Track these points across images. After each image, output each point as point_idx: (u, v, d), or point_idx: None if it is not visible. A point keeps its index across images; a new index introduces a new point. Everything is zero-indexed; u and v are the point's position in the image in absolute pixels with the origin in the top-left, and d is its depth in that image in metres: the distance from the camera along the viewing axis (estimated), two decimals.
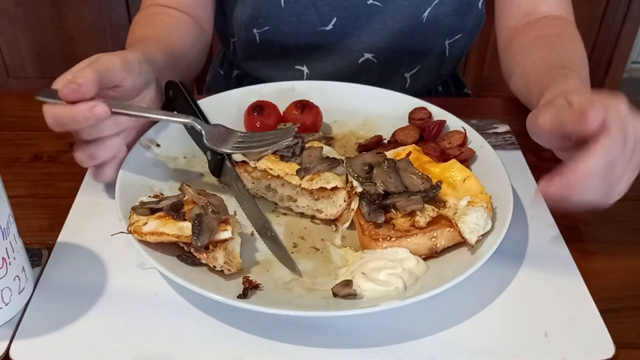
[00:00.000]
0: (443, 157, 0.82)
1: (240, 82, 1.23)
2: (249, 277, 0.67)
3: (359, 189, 0.74)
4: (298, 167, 0.77)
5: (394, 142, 0.87)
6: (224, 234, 0.67)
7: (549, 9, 1.02)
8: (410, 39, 1.08)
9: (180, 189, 0.72)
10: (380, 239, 0.70)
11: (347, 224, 0.75)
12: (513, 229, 0.71)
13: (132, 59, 0.77)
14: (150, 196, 0.74)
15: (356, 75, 1.02)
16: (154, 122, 0.84)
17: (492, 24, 1.11)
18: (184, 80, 0.96)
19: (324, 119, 0.91)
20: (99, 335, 0.64)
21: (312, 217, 0.78)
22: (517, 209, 0.77)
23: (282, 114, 0.90)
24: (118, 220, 0.71)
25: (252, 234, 0.75)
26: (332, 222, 0.77)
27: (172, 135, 0.86)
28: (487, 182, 0.75)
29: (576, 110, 0.64)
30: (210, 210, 0.68)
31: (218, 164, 0.81)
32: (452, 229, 0.70)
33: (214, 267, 0.67)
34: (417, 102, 0.92)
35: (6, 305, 0.64)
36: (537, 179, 0.84)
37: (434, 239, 0.70)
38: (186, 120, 0.78)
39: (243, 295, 0.64)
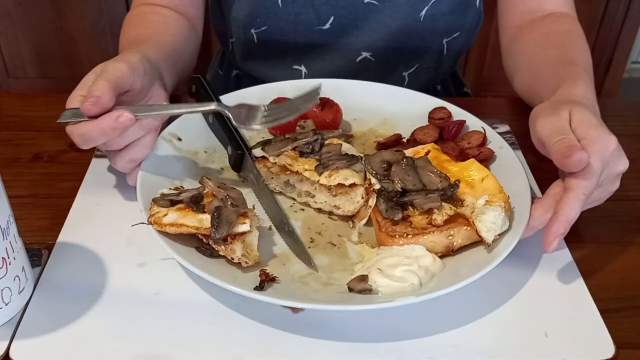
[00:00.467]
0: (462, 156, 0.82)
1: (239, 82, 1.23)
2: (265, 270, 0.67)
3: (377, 186, 0.74)
4: (317, 163, 0.77)
5: (413, 141, 0.87)
6: (242, 227, 0.67)
7: (555, 6, 1.02)
8: (408, 38, 1.08)
9: (200, 182, 0.73)
10: (397, 236, 0.70)
11: (364, 221, 0.75)
12: None
13: (135, 61, 0.77)
14: (170, 188, 0.75)
15: (354, 74, 1.02)
16: (175, 118, 0.85)
17: (491, 24, 1.11)
18: (181, 77, 0.97)
19: (344, 116, 0.92)
20: (99, 335, 0.64)
21: (330, 213, 0.78)
22: None
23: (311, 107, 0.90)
24: (139, 211, 0.71)
25: (270, 228, 0.76)
26: (350, 218, 0.77)
27: (193, 130, 0.87)
28: (505, 183, 0.75)
29: (564, 148, 0.67)
30: (229, 203, 0.69)
31: (238, 159, 0.82)
32: (469, 228, 0.70)
33: (232, 259, 0.67)
34: (437, 102, 0.93)
35: (6, 305, 0.64)
36: (537, 179, 0.84)
37: (450, 237, 0.70)
38: (210, 108, 0.78)
39: (260, 288, 0.65)
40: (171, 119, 0.86)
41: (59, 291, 0.68)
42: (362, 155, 0.79)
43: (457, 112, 0.91)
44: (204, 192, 0.72)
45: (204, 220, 0.68)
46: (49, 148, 0.91)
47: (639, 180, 0.81)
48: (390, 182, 0.74)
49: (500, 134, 0.87)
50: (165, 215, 0.69)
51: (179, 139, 0.86)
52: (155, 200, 0.71)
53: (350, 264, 0.71)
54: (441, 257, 0.70)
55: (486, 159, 0.83)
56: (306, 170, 0.78)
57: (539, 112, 0.75)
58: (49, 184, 0.85)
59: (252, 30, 1.10)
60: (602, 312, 0.67)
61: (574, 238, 0.74)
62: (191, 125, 0.87)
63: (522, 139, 0.92)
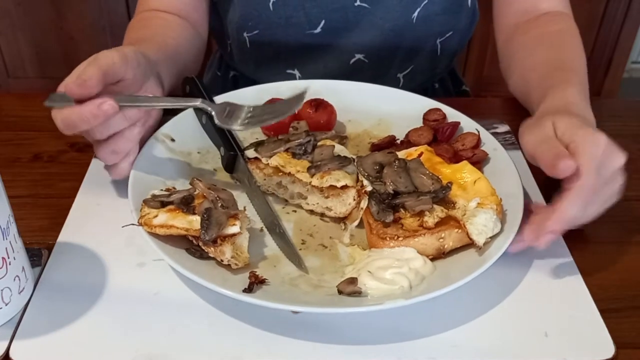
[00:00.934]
0: (456, 158, 0.82)
1: (236, 84, 1.23)
2: (255, 272, 0.67)
3: (369, 188, 0.74)
4: (309, 164, 0.77)
5: (407, 143, 0.87)
6: (232, 229, 0.67)
7: (549, 5, 1.02)
8: (401, 39, 1.08)
9: (191, 183, 0.73)
10: (388, 238, 0.70)
11: (356, 223, 0.75)
12: None
13: (129, 52, 0.77)
14: (162, 189, 0.75)
15: (348, 76, 1.02)
16: (164, 116, 0.85)
17: (491, 24, 1.11)
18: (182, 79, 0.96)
19: (339, 117, 0.92)
20: (99, 335, 0.64)
21: (322, 215, 0.78)
22: None
23: (296, 111, 0.90)
24: (129, 212, 0.71)
25: (262, 230, 0.76)
26: (341, 220, 0.77)
27: (186, 131, 0.87)
28: (498, 185, 0.75)
29: (551, 156, 0.67)
30: (219, 204, 0.69)
31: (231, 160, 0.82)
32: (460, 230, 0.70)
33: (222, 261, 0.67)
34: (432, 103, 0.93)
35: (6, 305, 0.64)
36: (537, 179, 0.84)
37: (441, 240, 0.70)
38: (194, 103, 0.78)
39: (248, 290, 0.65)
40: (165, 120, 0.86)
41: (59, 291, 0.68)
42: (354, 157, 0.79)
43: (452, 114, 0.90)
44: (195, 193, 0.72)
45: (194, 221, 0.68)
46: (49, 148, 0.91)
47: (639, 180, 0.81)
48: (382, 184, 0.74)
49: (500, 134, 0.87)
50: (156, 216, 0.69)
51: (172, 140, 0.85)
52: (146, 201, 0.71)
53: (341, 266, 0.71)
54: (432, 259, 0.70)
55: (479, 161, 0.83)
56: (299, 171, 0.77)
57: (524, 129, 0.75)
58: (49, 184, 0.85)
59: (245, 34, 1.10)
60: (602, 312, 0.67)
61: (573, 238, 0.74)
62: (184, 126, 0.87)
63: None
